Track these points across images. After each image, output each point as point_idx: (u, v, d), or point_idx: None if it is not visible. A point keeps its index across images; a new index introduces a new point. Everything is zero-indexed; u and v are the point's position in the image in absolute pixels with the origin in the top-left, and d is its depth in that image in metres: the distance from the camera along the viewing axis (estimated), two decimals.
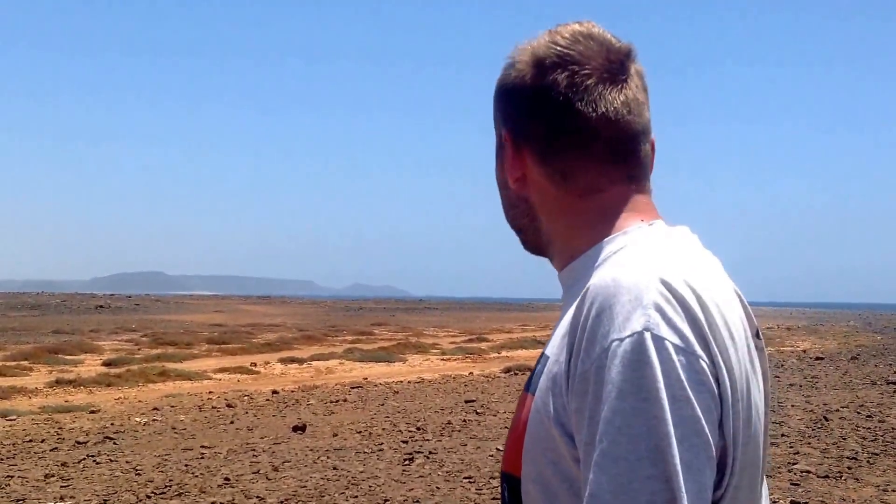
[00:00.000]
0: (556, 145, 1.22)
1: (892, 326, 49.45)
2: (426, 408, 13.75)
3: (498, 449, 9.97)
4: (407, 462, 9.29)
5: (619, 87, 1.21)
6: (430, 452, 9.81)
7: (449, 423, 12.09)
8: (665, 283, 1.04)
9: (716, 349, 1.03)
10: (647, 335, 0.99)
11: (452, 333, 38.24)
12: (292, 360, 23.42)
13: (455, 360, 25.29)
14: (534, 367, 1.20)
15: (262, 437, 10.99)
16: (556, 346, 1.12)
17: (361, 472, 8.82)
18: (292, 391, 16.37)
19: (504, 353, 27.43)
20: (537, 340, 33.13)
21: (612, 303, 1.02)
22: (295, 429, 11.49)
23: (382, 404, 14.25)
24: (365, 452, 9.89)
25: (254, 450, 10.11)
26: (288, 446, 10.33)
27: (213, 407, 14.05)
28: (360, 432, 11.35)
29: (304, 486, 8.14)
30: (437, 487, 8.10)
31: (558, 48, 1.21)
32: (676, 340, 1.00)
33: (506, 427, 11.58)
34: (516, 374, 19.57)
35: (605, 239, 1.19)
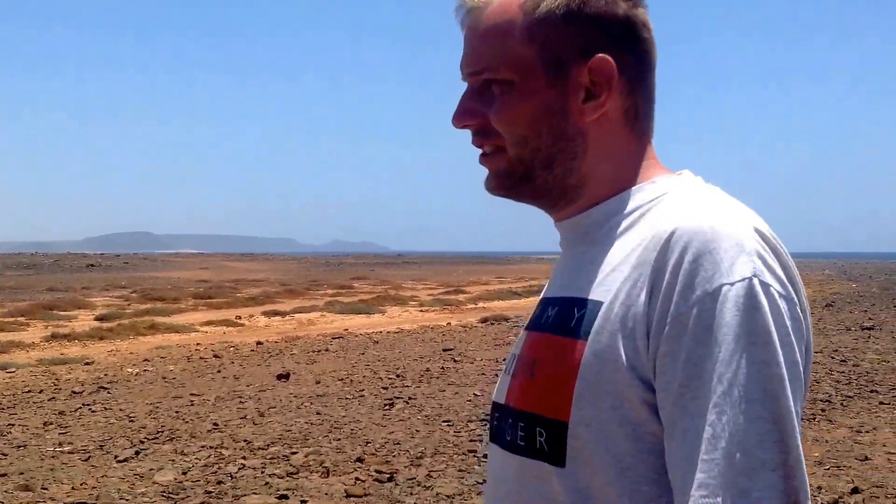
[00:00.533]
0: (640, 81, 1.19)
1: (866, 275, 50.17)
2: (405, 356, 14.16)
3: (475, 394, 10.41)
4: (387, 407, 9.71)
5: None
6: (410, 398, 10.23)
7: (427, 370, 12.50)
8: (759, 232, 1.05)
9: (803, 296, 1.08)
10: (756, 281, 1.00)
11: (430, 286, 38.63)
12: (275, 313, 23.76)
13: (433, 311, 25.66)
14: (553, 312, 1.18)
15: (247, 385, 11.37)
16: (614, 289, 1.09)
17: (343, 416, 9.23)
18: (276, 342, 16.76)
19: (481, 305, 27.84)
20: (513, 292, 33.55)
21: (712, 248, 1.01)
22: (279, 377, 11.89)
23: (363, 353, 14.65)
24: (347, 398, 10.31)
25: (240, 397, 10.50)
26: (273, 393, 10.73)
27: (200, 357, 14.44)
28: (341, 380, 11.75)
29: (290, 430, 8.54)
30: (417, 430, 8.52)
31: None
32: (779, 287, 1.02)
33: (482, 374, 12.02)
34: (493, 324, 19.97)
35: (633, 187, 1.18)
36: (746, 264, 1.01)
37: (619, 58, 1.16)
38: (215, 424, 8.87)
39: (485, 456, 7.30)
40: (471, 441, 8.05)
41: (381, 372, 12.37)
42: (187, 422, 9.06)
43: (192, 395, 10.70)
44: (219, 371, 12.85)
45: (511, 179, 1.22)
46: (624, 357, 1.05)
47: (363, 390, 10.87)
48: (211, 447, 7.89)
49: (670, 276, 1.03)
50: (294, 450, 7.73)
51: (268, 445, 7.93)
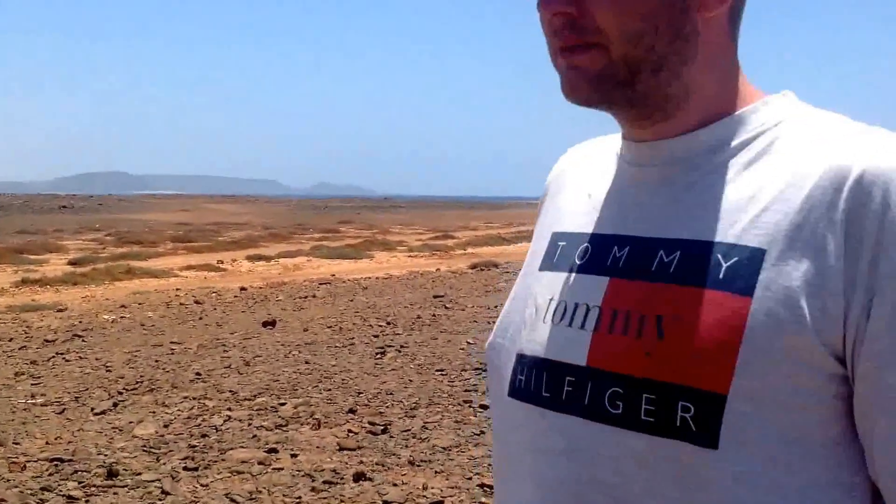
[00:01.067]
0: None
1: None
2: (395, 303, 13.80)
3: (468, 342, 10.05)
4: (378, 356, 9.34)
5: None
6: (402, 346, 9.87)
7: (418, 317, 12.15)
8: None
9: None
10: None
11: (418, 231, 38.35)
12: (259, 258, 23.39)
13: (422, 256, 25.41)
14: (678, 256, 0.96)
15: (231, 333, 10.98)
16: (779, 235, 0.91)
17: (333, 365, 8.86)
18: (260, 288, 16.35)
19: (470, 250, 27.61)
20: (502, 237, 33.39)
21: None
22: (265, 324, 11.49)
23: (351, 300, 14.28)
24: (336, 347, 9.93)
25: (224, 345, 10.11)
26: (258, 341, 10.34)
27: (180, 304, 13.99)
28: (330, 327, 11.37)
29: (277, 380, 8.17)
30: (410, 380, 8.17)
31: None
32: None
33: (474, 321, 11.70)
34: (483, 270, 19.71)
35: (749, 106, 1.00)
36: None
37: None
38: (198, 374, 8.48)
39: (482, 406, 7.10)
40: (465, 391, 7.71)
41: (370, 319, 12.00)
42: (168, 371, 8.66)
43: (172, 343, 10.29)
44: (200, 318, 12.42)
45: (609, 83, 0.98)
46: (808, 318, 0.87)
47: (353, 338, 10.48)
48: (194, 398, 7.51)
49: (875, 223, 0.86)
50: (282, 401, 7.36)
51: (254, 396, 7.56)
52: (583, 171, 1.15)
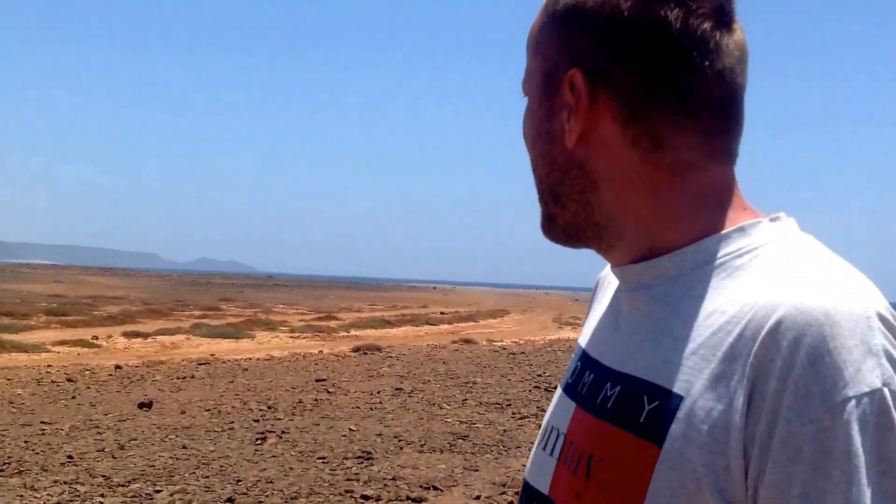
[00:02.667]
0: (652, 104, 0.92)
1: None
2: (277, 386, 13.62)
3: (351, 429, 10.01)
4: (259, 441, 9.21)
5: (731, 33, 0.94)
6: (283, 432, 9.75)
7: (300, 401, 12.02)
8: (883, 319, 0.83)
9: None
10: (887, 392, 0.79)
11: (301, 311, 37.93)
12: (136, 334, 22.69)
13: (304, 338, 25.10)
14: (614, 392, 0.94)
15: (105, 414, 10.65)
16: (697, 383, 0.86)
17: (212, 451, 8.69)
18: (136, 366, 15.88)
19: (353, 332, 27.39)
20: (386, 320, 33.28)
21: (832, 346, 0.79)
22: (141, 405, 11.18)
23: (231, 382, 14.03)
24: (215, 431, 9.74)
25: (97, 427, 9.79)
26: (134, 423, 10.06)
27: (52, 381, 13.47)
28: (209, 410, 11.15)
29: (153, 466, 7.96)
30: (291, 468, 8.07)
31: None
32: None
33: (356, 407, 11.66)
34: (366, 354, 19.60)
35: (716, 235, 0.93)
36: (874, 370, 0.79)
37: (615, 73, 0.92)
38: (70, 457, 8.18)
39: (363, 496, 7.08)
40: (347, 480, 7.68)
41: (251, 403, 11.82)
42: (38, 453, 8.33)
43: (42, 423, 9.90)
44: (73, 397, 11.99)
45: (542, 219, 1.03)
46: (710, 476, 0.83)
47: (233, 422, 10.31)
48: (65, 482, 7.25)
49: (777, 381, 0.80)
50: (158, 487, 7.17)
51: (129, 482, 7.34)
52: (610, 285, 1.11)
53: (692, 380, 0.86)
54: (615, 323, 1.02)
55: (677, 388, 0.86)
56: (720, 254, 0.92)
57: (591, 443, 0.94)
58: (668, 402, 0.86)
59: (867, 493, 0.77)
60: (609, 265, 1.07)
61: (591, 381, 0.99)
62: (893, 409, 0.79)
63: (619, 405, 0.92)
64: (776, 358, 0.80)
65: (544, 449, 1.03)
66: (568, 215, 0.99)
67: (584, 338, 1.10)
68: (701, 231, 0.94)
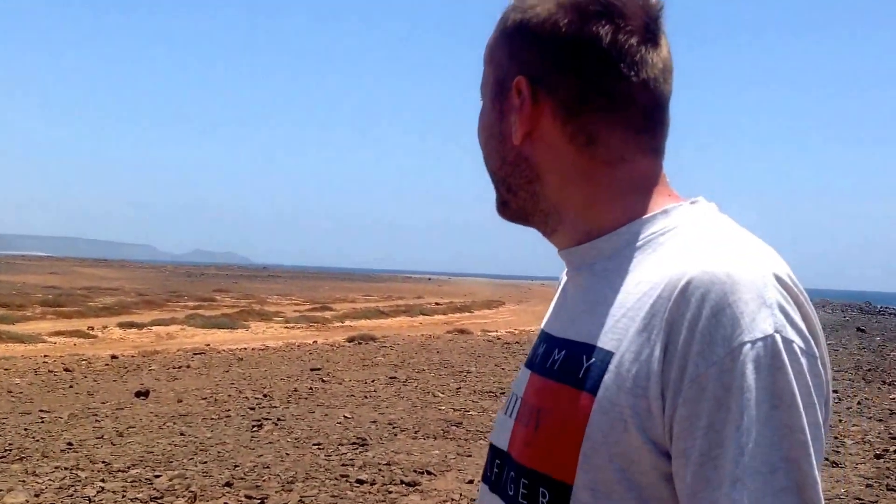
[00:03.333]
0: (586, 106, 1.08)
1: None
2: (272, 375, 13.76)
3: (345, 416, 10.17)
4: (255, 429, 9.35)
5: (657, 49, 1.09)
6: (279, 419, 9.89)
7: (295, 390, 12.17)
8: (779, 279, 0.96)
9: (824, 348, 0.99)
10: (778, 337, 0.92)
11: (296, 302, 38.04)
12: (131, 325, 22.81)
13: (299, 328, 25.24)
14: (560, 356, 1.09)
15: (103, 402, 10.78)
16: (625, 340, 1.00)
17: (209, 437, 8.83)
18: (132, 356, 16.02)
19: (348, 323, 27.56)
20: (380, 311, 33.41)
21: (731, 300, 0.93)
22: (138, 394, 11.31)
23: (227, 371, 14.16)
24: (212, 419, 9.88)
25: (96, 415, 9.92)
26: (131, 411, 10.19)
27: (49, 371, 13.60)
28: (205, 399, 11.29)
29: (151, 452, 8.09)
30: (287, 454, 8.22)
31: None
32: (801, 342, 0.94)
33: (351, 395, 11.81)
34: (360, 344, 19.76)
35: (643, 217, 1.09)
36: (768, 319, 0.93)
37: (551, 78, 1.09)
38: (69, 444, 8.32)
39: (358, 481, 7.23)
40: (342, 465, 7.82)
41: (246, 391, 11.96)
42: (38, 440, 8.46)
43: (41, 411, 10.03)
44: (70, 386, 12.13)
45: (497, 204, 1.21)
46: (635, 417, 0.96)
47: (229, 410, 10.45)
48: (66, 468, 7.38)
49: (687, 331, 0.94)
50: (157, 473, 7.31)
51: (128, 467, 7.48)
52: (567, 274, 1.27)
53: (621, 338, 1.00)
54: (563, 301, 1.20)
55: (609, 346, 1.01)
56: (646, 233, 1.08)
57: (539, 400, 1.09)
58: (602, 357, 1.01)
59: (759, 422, 0.90)
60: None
61: (543, 351, 1.15)
62: (784, 352, 0.92)
63: (563, 366, 1.07)
64: (686, 312, 0.94)
65: (505, 413, 1.18)
66: (519, 202, 1.16)
67: (544, 321, 1.26)
68: (630, 214, 1.09)
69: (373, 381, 13.30)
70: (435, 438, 9.21)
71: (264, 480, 7.22)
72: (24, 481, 6.94)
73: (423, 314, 33.89)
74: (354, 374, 14.10)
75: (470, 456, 8.40)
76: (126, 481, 7.04)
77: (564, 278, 1.26)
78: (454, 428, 9.75)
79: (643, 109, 1.09)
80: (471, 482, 7.41)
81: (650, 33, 1.08)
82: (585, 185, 1.11)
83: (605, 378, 0.99)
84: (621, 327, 1.01)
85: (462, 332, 24.64)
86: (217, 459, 7.89)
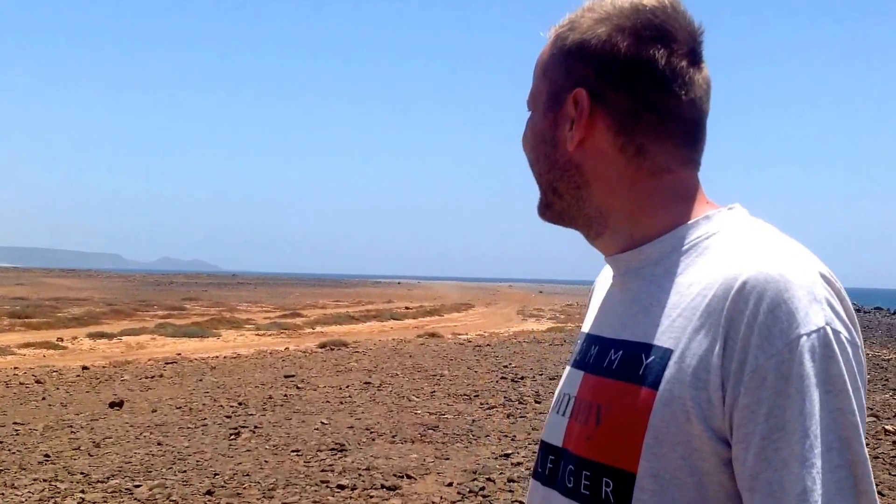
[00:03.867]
0: (638, 121, 1.17)
1: None
2: (246, 383, 13.74)
3: (322, 423, 10.20)
4: (233, 437, 9.36)
5: (701, 70, 1.19)
6: (256, 427, 9.91)
7: (270, 397, 12.17)
8: (824, 277, 1.06)
9: (860, 337, 1.08)
10: (829, 329, 1.01)
11: (266, 309, 37.92)
12: (101, 335, 22.63)
13: (270, 335, 25.16)
14: (617, 356, 1.17)
15: (77, 414, 10.73)
16: (683, 337, 1.09)
17: (187, 447, 8.83)
18: (104, 367, 15.92)
19: (319, 329, 27.50)
20: (351, 316, 33.40)
21: (786, 297, 1.02)
22: (112, 405, 11.27)
23: (200, 380, 14.12)
24: (188, 428, 9.87)
25: (71, 426, 9.88)
26: (106, 422, 10.16)
27: (20, 383, 13.49)
28: (179, 408, 11.27)
29: (130, 462, 8.08)
30: (266, 461, 8.25)
31: (657, 19, 1.17)
32: (846, 333, 1.04)
33: (327, 401, 11.84)
34: (332, 350, 19.73)
35: (688, 223, 1.18)
36: (819, 313, 1.02)
37: (608, 94, 1.18)
38: (46, 456, 8.30)
39: (339, 486, 7.27)
40: (322, 471, 7.87)
41: (221, 400, 11.95)
42: (14, 453, 8.43)
43: (15, 423, 9.99)
44: (43, 398, 12.05)
45: (541, 205, 1.29)
46: (696, 408, 1.05)
47: (205, 419, 10.45)
48: (44, 480, 7.37)
49: (746, 327, 1.03)
50: (137, 483, 7.32)
51: (107, 478, 7.48)
52: (605, 280, 1.35)
53: (679, 336, 1.09)
54: (610, 305, 1.27)
55: (668, 344, 1.09)
56: (691, 237, 1.17)
57: (598, 397, 1.17)
58: (661, 355, 1.09)
59: (817, 406, 0.99)
60: (602, 269, 1.37)
61: (596, 352, 1.23)
62: (834, 342, 1.01)
63: (622, 364, 1.15)
64: (744, 309, 1.03)
65: (558, 412, 1.26)
66: (563, 205, 1.25)
67: (586, 326, 1.34)
68: (674, 221, 1.19)
69: (347, 387, 13.33)
70: (413, 442, 9.27)
71: (245, 488, 7.25)
72: (2, 494, 6.92)
73: (394, 319, 33.92)
74: (328, 381, 14.11)
75: (448, 459, 8.47)
76: (106, 492, 7.04)
77: (602, 283, 1.36)
78: (431, 432, 9.81)
79: (688, 125, 1.19)
80: (450, 485, 7.48)
81: (696, 55, 1.19)
82: (631, 193, 1.20)
83: (665, 373, 1.08)
84: (678, 326, 1.10)
85: (433, 335, 24.69)
86: (196, 468, 7.90)
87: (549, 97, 1.23)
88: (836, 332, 1.02)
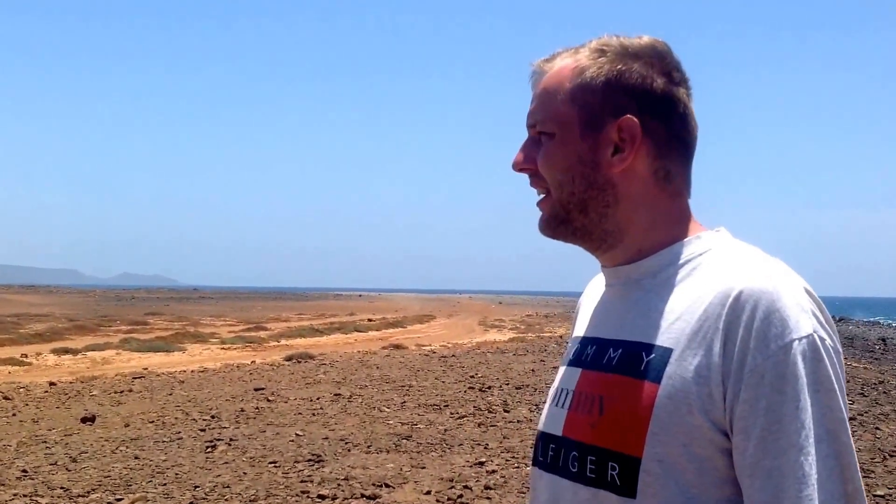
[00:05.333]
0: (671, 149, 1.35)
1: None
2: (216, 396, 13.76)
3: (297, 434, 10.29)
4: (209, 450, 9.42)
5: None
6: (231, 439, 9.98)
7: (242, 410, 12.22)
8: (806, 290, 1.23)
9: (840, 345, 1.24)
10: (816, 336, 1.17)
11: (230, 322, 37.81)
12: (66, 351, 22.50)
13: (235, 349, 25.15)
14: (617, 354, 1.31)
15: (49, 429, 10.71)
16: (682, 339, 1.23)
17: (164, 460, 8.88)
18: (71, 382, 15.84)
19: (284, 342, 27.50)
20: (315, 329, 33.40)
21: (779, 306, 1.17)
22: (84, 420, 11.24)
23: (170, 394, 14.11)
24: (164, 441, 9.91)
25: (45, 442, 9.87)
26: (80, 437, 10.16)
27: None
28: (152, 422, 11.28)
29: (108, 476, 8.12)
30: (245, 472, 8.33)
31: (677, 64, 1.37)
32: (829, 340, 1.19)
33: (299, 413, 11.91)
34: (299, 362, 19.72)
35: (683, 241, 1.35)
36: (807, 321, 1.18)
37: (649, 124, 1.34)
38: (24, 471, 8.31)
39: (319, 496, 7.38)
40: (301, 482, 7.97)
41: (193, 413, 11.97)
42: None
43: None
44: (13, 414, 11.99)
45: (555, 221, 1.39)
46: (698, 401, 1.19)
47: (179, 432, 10.49)
48: (24, 495, 7.40)
49: (744, 331, 1.18)
50: (118, 496, 7.38)
51: (88, 492, 7.52)
52: (595, 292, 1.51)
53: (679, 337, 1.24)
54: (607, 310, 1.42)
55: (668, 344, 1.25)
56: (685, 254, 1.34)
57: (599, 389, 1.31)
58: (661, 353, 1.25)
59: (809, 402, 1.15)
60: (590, 283, 1.56)
61: (594, 351, 1.37)
62: (821, 348, 1.17)
63: (622, 361, 1.30)
64: (741, 315, 1.19)
65: (557, 405, 1.40)
66: (585, 221, 1.37)
67: (579, 331, 1.49)
68: (673, 238, 1.36)
69: (318, 399, 13.41)
70: (388, 452, 9.40)
71: (227, 500, 7.34)
72: None
73: (358, 331, 34.02)
74: (298, 393, 14.17)
75: (424, 468, 8.61)
76: None
77: (592, 293, 1.52)
78: (405, 441, 9.94)
79: (692, 156, 1.40)
80: (428, 493, 7.63)
81: (691, 94, 1.39)
82: (651, 212, 1.36)
83: (667, 369, 1.23)
84: (676, 329, 1.25)
85: (398, 347, 24.81)
86: (176, 481, 7.97)
87: (585, 122, 1.34)
88: (821, 339, 1.18)
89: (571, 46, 1.40)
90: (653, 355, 1.25)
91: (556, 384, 1.45)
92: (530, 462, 1.47)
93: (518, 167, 1.40)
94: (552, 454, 1.36)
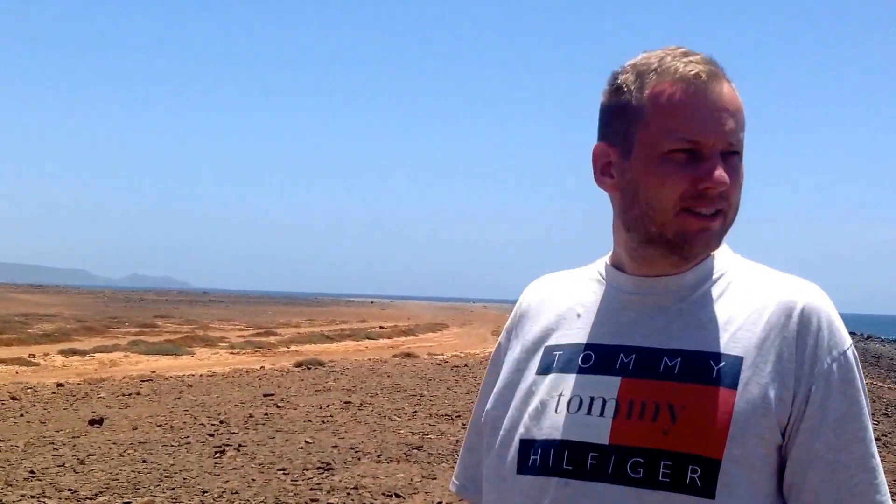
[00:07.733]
0: None
1: None
2: (224, 401, 13.68)
3: (307, 441, 10.18)
4: (218, 455, 9.32)
5: None
6: (240, 445, 9.88)
7: (251, 416, 12.13)
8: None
9: None
10: (852, 345, 1.37)
11: (239, 327, 37.78)
12: (74, 352, 22.46)
13: (244, 353, 25.05)
14: (676, 362, 1.35)
15: (57, 431, 10.64)
16: (750, 348, 1.34)
17: (172, 464, 8.79)
18: (78, 384, 15.78)
19: (294, 348, 27.42)
20: (325, 335, 33.31)
21: (832, 319, 1.35)
22: (91, 422, 11.18)
23: (178, 398, 14.04)
24: (172, 446, 9.83)
25: (53, 443, 9.81)
26: (88, 440, 10.08)
27: None
28: (160, 426, 11.20)
29: (116, 479, 8.04)
30: (253, 479, 8.23)
31: None
32: (854, 349, 1.38)
33: (308, 420, 11.81)
34: (309, 369, 19.63)
35: (708, 258, 1.44)
36: (847, 333, 1.39)
37: None
38: (31, 472, 8.23)
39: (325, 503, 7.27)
40: (311, 490, 7.87)
41: (202, 418, 11.89)
42: None
43: None
44: (21, 415, 11.94)
45: (717, 236, 1.39)
46: (771, 403, 1.30)
47: (188, 437, 10.40)
48: (32, 496, 7.32)
49: (812, 338, 1.33)
50: (126, 500, 7.29)
51: (95, 495, 7.44)
52: (561, 298, 1.52)
53: (747, 346, 1.34)
54: (633, 320, 1.42)
55: (736, 353, 1.34)
56: (717, 269, 1.44)
57: (667, 397, 1.33)
58: (732, 361, 1.33)
59: (860, 402, 1.34)
60: (538, 283, 1.62)
61: (634, 359, 1.38)
62: (855, 355, 1.36)
63: (687, 370, 1.34)
64: (809, 326, 1.34)
65: (589, 413, 1.36)
66: (720, 237, 1.42)
67: (580, 337, 1.45)
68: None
69: (328, 406, 13.31)
70: (398, 462, 9.29)
71: None
72: None
73: (369, 338, 33.88)
74: (308, 400, 14.08)
75: (435, 479, 8.48)
76: None
77: (552, 297, 1.53)
78: (416, 451, 9.83)
79: None
80: (439, 503, 7.51)
81: None
82: None
83: (741, 376, 1.32)
84: (740, 338, 1.35)
85: (409, 355, 24.67)
86: (184, 486, 7.87)
87: (737, 151, 1.38)
88: (853, 347, 1.37)
89: (705, 59, 1.38)
90: (723, 363, 1.33)
91: (563, 391, 1.39)
92: (510, 471, 1.41)
93: (725, 188, 1.35)
94: (594, 463, 1.33)
